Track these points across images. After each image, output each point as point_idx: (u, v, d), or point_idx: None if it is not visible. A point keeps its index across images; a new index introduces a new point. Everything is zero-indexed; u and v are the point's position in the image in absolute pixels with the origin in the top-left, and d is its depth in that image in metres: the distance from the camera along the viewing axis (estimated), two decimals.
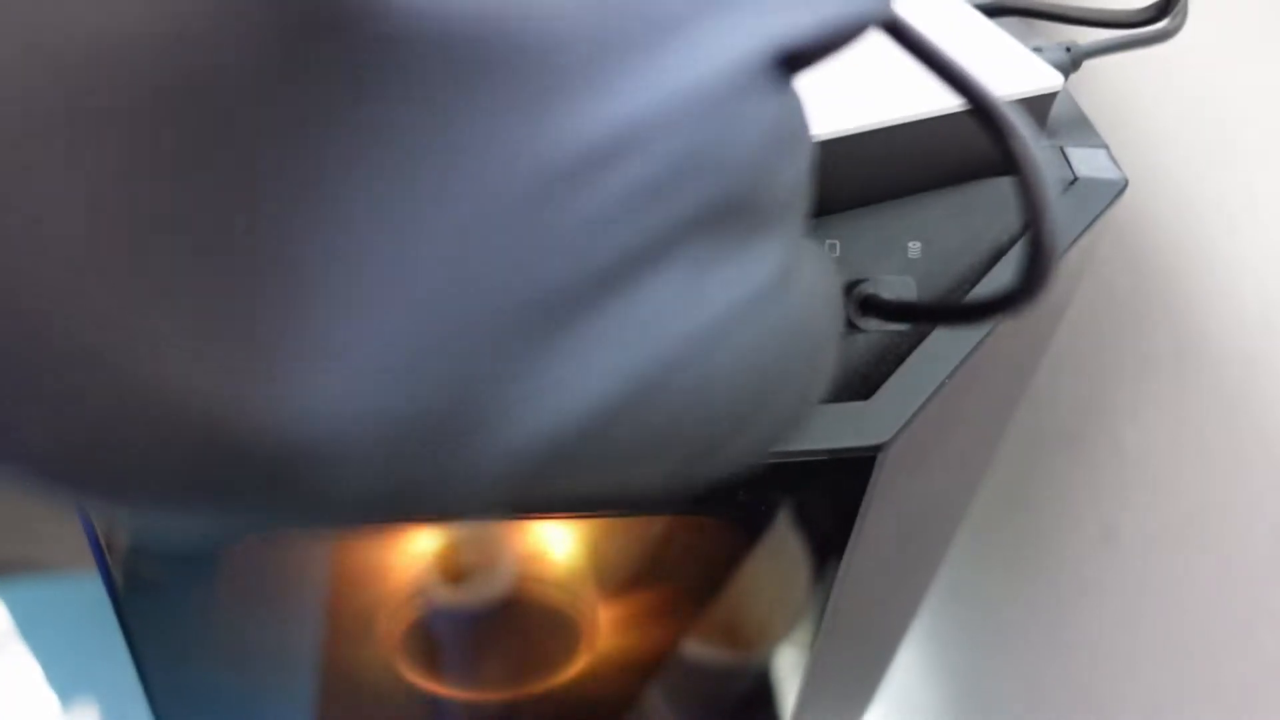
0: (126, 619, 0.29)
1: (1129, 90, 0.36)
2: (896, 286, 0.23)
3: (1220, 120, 0.33)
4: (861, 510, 0.26)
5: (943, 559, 0.37)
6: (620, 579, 0.36)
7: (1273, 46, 0.30)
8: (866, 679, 0.42)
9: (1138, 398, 0.38)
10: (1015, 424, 0.34)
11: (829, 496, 0.27)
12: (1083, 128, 0.27)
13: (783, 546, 0.31)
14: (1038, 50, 0.27)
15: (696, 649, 0.37)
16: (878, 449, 0.25)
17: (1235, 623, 0.35)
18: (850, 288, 0.23)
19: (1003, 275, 0.25)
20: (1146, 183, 0.35)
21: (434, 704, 0.40)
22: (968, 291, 0.26)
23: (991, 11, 0.27)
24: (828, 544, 0.29)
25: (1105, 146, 0.27)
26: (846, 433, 0.25)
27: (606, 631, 0.37)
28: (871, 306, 0.22)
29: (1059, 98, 0.25)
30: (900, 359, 0.26)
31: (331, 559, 0.33)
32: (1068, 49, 0.27)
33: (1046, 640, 0.45)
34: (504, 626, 0.37)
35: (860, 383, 0.26)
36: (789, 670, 0.36)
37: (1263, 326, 0.32)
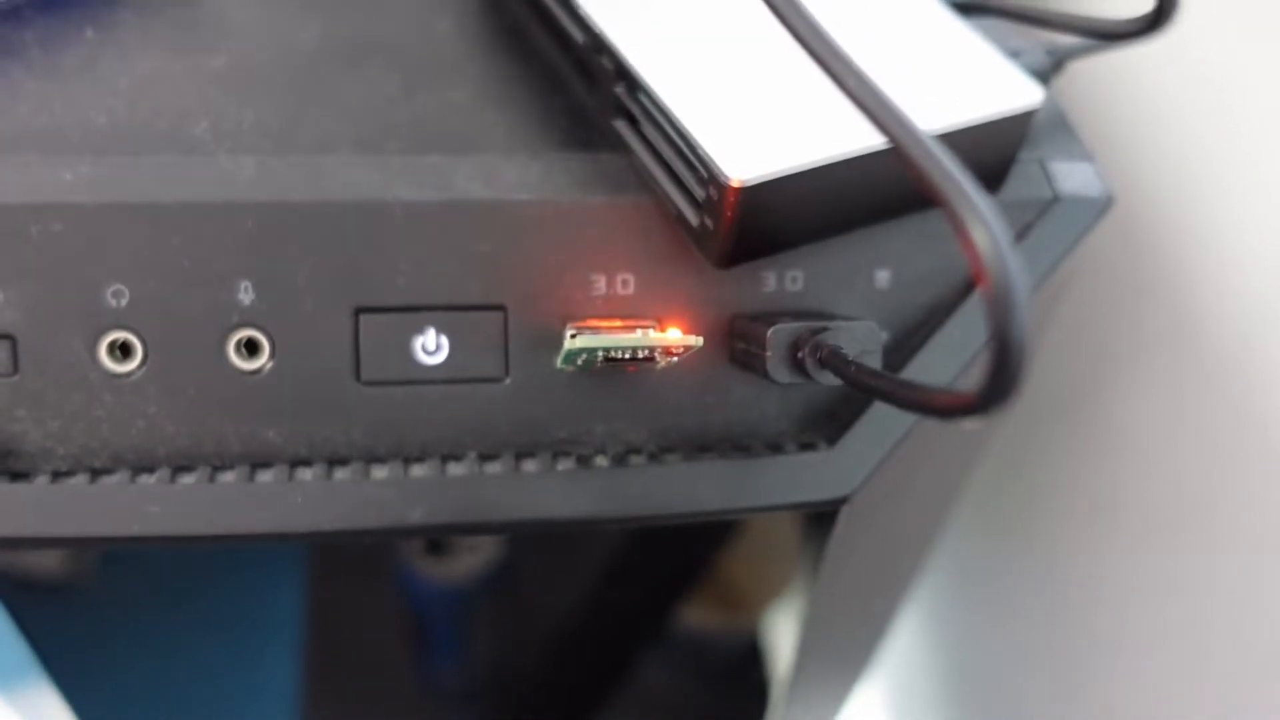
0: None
1: (1127, 71, 0.34)
2: (859, 333, 0.21)
3: (1219, 101, 0.31)
4: (825, 557, 0.25)
5: (924, 566, 0.36)
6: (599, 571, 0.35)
7: (1275, 28, 0.28)
8: (854, 663, 0.41)
9: (1133, 379, 0.37)
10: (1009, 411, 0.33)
11: (789, 544, 0.25)
12: (1066, 138, 0.25)
13: (744, 568, 0.30)
14: (1017, 54, 0.24)
15: (678, 629, 0.36)
16: (841, 501, 0.23)
17: (1227, 605, 0.35)
18: (811, 335, 0.21)
19: (976, 314, 0.24)
20: (1145, 165, 0.33)
21: (421, 684, 0.39)
22: (941, 323, 0.24)
23: (969, 9, 0.25)
24: (791, 576, 0.28)
25: (1090, 159, 0.25)
26: (809, 484, 0.23)
27: (590, 609, 0.36)
28: (831, 364, 0.20)
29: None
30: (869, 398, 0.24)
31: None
32: (1049, 51, 0.25)
33: (1043, 615, 0.45)
34: (488, 601, 0.36)
35: (826, 422, 0.24)
36: (779, 644, 0.35)
37: (1261, 309, 0.31)
